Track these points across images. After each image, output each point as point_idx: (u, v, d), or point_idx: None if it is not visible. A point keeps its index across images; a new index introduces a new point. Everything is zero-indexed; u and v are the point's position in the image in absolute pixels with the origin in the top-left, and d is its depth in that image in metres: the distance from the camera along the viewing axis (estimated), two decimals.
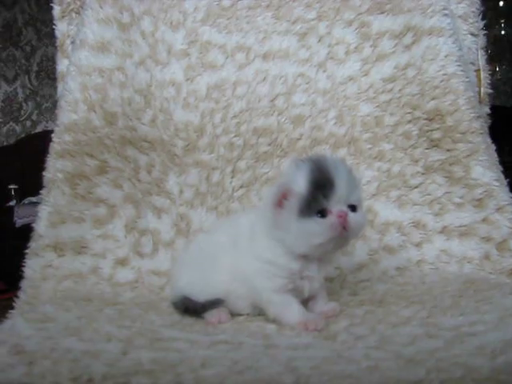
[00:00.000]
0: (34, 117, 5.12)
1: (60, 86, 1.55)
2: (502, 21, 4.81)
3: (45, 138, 1.43)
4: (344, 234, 0.96)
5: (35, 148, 1.45)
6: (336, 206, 0.96)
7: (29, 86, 5.13)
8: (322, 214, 0.96)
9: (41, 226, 1.36)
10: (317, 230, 0.97)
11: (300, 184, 0.97)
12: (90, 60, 1.46)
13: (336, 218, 0.95)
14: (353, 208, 0.98)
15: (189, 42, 1.54)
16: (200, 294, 1.10)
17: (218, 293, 1.10)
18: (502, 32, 4.80)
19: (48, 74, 5.01)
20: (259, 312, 1.08)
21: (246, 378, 0.68)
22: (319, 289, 1.09)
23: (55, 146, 1.41)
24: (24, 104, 5.13)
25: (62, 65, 1.57)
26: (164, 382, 0.67)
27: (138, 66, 1.50)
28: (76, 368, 0.71)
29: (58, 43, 1.58)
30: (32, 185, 1.42)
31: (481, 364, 0.68)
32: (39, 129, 5.03)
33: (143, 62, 1.51)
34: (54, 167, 1.40)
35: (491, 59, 4.47)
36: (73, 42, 1.53)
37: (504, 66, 4.77)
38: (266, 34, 1.56)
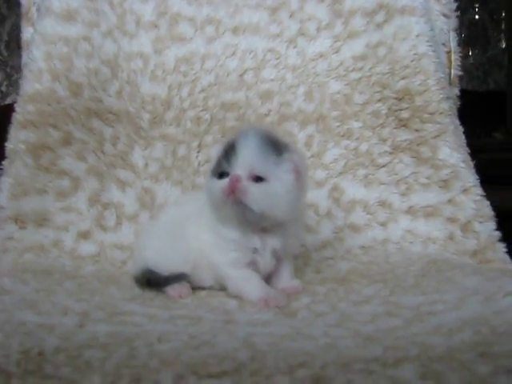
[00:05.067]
0: (4, 88, 5.01)
1: (24, 55, 1.52)
2: (477, 5, 4.81)
3: (14, 109, 1.41)
4: (236, 199, 0.96)
5: (4, 120, 1.41)
6: (237, 170, 0.96)
7: None
8: (221, 176, 0.98)
9: (2, 198, 1.35)
10: (212, 190, 1.00)
11: (220, 148, 1.03)
12: (55, 28, 1.42)
13: (227, 181, 0.96)
14: (257, 179, 0.96)
15: (158, 13, 1.52)
16: (165, 266, 1.09)
17: (183, 264, 1.09)
18: (476, 16, 4.80)
19: (19, 44, 4.88)
20: (222, 286, 1.08)
21: (202, 353, 0.67)
22: (277, 265, 1.09)
23: (18, 116, 1.39)
24: None
25: (27, 33, 1.54)
26: (118, 355, 0.66)
27: (105, 36, 1.47)
28: (28, 341, 0.69)
29: (23, 10, 1.54)
30: (1, 156, 1.39)
31: (437, 343, 0.68)
32: (9, 100, 4.92)
33: (111, 33, 1.48)
34: (17, 138, 1.37)
35: (465, 43, 4.48)
36: (38, 10, 1.49)
37: (477, 51, 4.79)
38: (237, 7, 1.54)
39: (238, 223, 1.01)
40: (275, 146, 0.99)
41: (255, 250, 1.03)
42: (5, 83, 4.98)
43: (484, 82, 4.89)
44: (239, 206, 0.96)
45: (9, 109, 1.43)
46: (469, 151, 1.43)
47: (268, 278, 1.08)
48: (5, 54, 4.97)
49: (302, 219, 1.21)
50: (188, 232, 1.10)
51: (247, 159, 0.96)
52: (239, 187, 0.95)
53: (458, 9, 1.56)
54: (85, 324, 0.80)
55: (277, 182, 0.97)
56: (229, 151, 0.98)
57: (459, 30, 1.58)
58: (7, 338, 0.70)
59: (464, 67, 1.59)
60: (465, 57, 4.26)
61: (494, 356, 0.61)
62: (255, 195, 0.95)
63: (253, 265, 1.04)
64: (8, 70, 4.98)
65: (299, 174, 1.01)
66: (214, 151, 1.06)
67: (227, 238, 1.03)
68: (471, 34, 4.77)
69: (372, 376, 0.59)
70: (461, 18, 1.58)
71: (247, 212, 0.96)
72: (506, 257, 1.29)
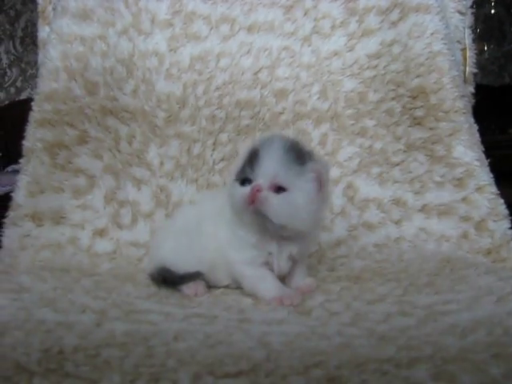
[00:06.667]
0: (19, 83, 5.04)
1: (41, 54, 1.53)
2: None
3: (29, 105, 1.42)
4: (255, 209, 0.96)
5: (19, 115, 1.43)
6: (259, 179, 0.96)
7: (13, 51, 5.04)
8: (243, 182, 0.99)
9: (19, 196, 1.36)
10: (233, 196, 1.00)
11: (244, 152, 1.03)
12: (71, 28, 1.44)
13: (248, 190, 0.96)
14: (279, 189, 0.96)
15: (173, 12, 1.52)
16: (181, 265, 1.10)
17: (199, 264, 1.10)
18: (492, 11, 4.76)
19: (33, 40, 4.90)
20: (238, 284, 1.08)
21: (217, 352, 0.68)
22: (291, 268, 1.09)
23: (35, 114, 1.40)
24: (8, 70, 5.05)
25: (44, 32, 1.55)
26: (135, 354, 0.67)
27: (120, 35, 1.48)
28: (48, 339, 0.70)
29: (39, 9, 1.56)
30: (16, 152, 1.41)
31: (450, 343, 0.69)
32: (24, 96, 4.95)
33: (126, 32, 1.49)
34: (34, 136, 1.38)
35: (480, 38, 4.45)
36: (54, 9, 1.50)
37: (492, 46, 4.75)
38: (252, 5, 1.54)
39: (257, 229, 1.01)
40: (299, 155, 0.99)
41: (271, 253, 1.04)
42: (20, 78, 5.01)
43: (499, 77, 4.86)
44: (259, 215, 0.96)
45: (24, 104, 1.44)
46: (483, 149, 1.42)
47: (282, 277, 1.09)
48: (19, 49, 5.00)
49: (320, 226, 1.22)
50: (206, 231, 1.11)
51: (270, 168, 0.96)
52: (260, 197, 0.95)
53: (473, 3, 1.55)
54: (102, 322, 0.81)
55: (298, 193, 0.97)
56: (253, 158, 0.98)
57: (475, 24, 1.57)
58: (28, 337, 0.71)
59: (479, 62, 1.58)
60: (480, 51, 4.23)
61: (507, 357, 0.62)
62: (275, 206, 0.95)
63: (268, 265, 1.05)
64: (23, 65, 5.01)
65: (321, 184, 1.00)
66: (241, 153, 1.07)
67: (244, 240, 1.03)
68: (487, 29, 4.74)
69: (386, 376, 0.60)
70: (476, 13, 1.57)
71: (267, 222, 0.97)
72: None
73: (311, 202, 0.99)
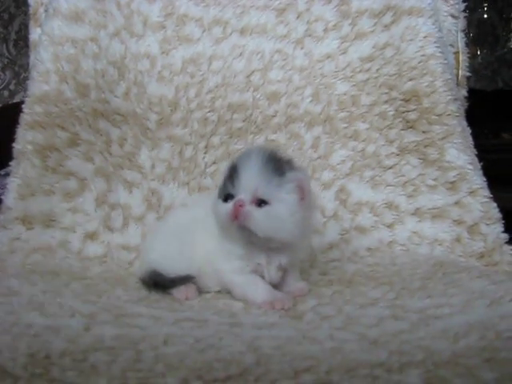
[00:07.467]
0: (12, 86, 5.02)
1: (32, 56, 1.52)
2: (486, 4, 4.79)
3: (22, 108, 1.41)
4: (239, 224, 0.96)
5: (12, 118, 1.42)
6: (241, 194, 0.96)
7: (6, 54, 5.02)
8: (226, 198, 0.99)
9: (9, 199, 1.35)
10: (217, 213, 1.01)
11: (225, 169, 1.03)
12: (62, 30, 1.43)
13: (231, 206, 0.96)
14: (260, 202, 0.96)
15: (165, 14, 1.52)
16: (171, 268, 1.09)
17: (190, 268, 1.09)
18: (485, 16, 4.78)
19: (26, 43, 4.81)
20: (228, 291, 1.07)
21: (207, 356, 0.67)
22: (282, 276, 1.08)
23: (26, 117, 1.39)
24: (1, 73, 5.03)
25: (35, 34, 1.54)
26: (124, 359, 0.66)
27: (112, 37, 1.47)
28: (35, 344, 0.69)
29: (31, 11, 1.55)
30: (9, 156, 1.39)
31: (443, 347, 0.68)
32: (17, 99, 4.93)
33: (118, 34, 1.48)
34: (24, 139, 1.37)
35: (473, 43, 4.46)
36: (46, 11, 1.49)
37: (485, 50, 4.76)
38: (244, 8, 1.54)
39: (244, 243, 1.01)
40: (278, 167, 0.99)
41: (260, 264, 1.04)
42: (13, 82, 4.99)
43: (493, 81, 4.88)
44: (244, 230, 0.96)
45: (17, 107, 1.43)
46: (476, 152, 1.42)
47: (273, 285, 1.08)
48: (13, 52, 4.98)
49: (310, 234, 1.22)
50: (195, 238, 1.10)
51: (250, 182, 0.96)
52: (242, 212, 0.95)
53: (466, 8, 1.55)
54: (91, 326, 0.80)
55: (280, 205, 0.97)
56: (233, 173, 0.99)
57: (468, 29, 1.57)
58: (14, 341, 0.70)
59: (472, 66, 1.58)
60: (473, 56, 4.24)
61: (499, 362, 0.61)
62: (258, 220, 0.95)
63: (257, 273, 1.04)
64: (16, 68, 4.99)
65: (303, 193, 1.00)
66: (222, 169, 1.08)
67: (232, 251, 1.03)
68: (480, 33, 4.75)
69: (377, 381, 0.59)
70: (469, 17, 1.57)
71: (252, 236, 0.97)
72: None
73: (294, 212, 0.98)
